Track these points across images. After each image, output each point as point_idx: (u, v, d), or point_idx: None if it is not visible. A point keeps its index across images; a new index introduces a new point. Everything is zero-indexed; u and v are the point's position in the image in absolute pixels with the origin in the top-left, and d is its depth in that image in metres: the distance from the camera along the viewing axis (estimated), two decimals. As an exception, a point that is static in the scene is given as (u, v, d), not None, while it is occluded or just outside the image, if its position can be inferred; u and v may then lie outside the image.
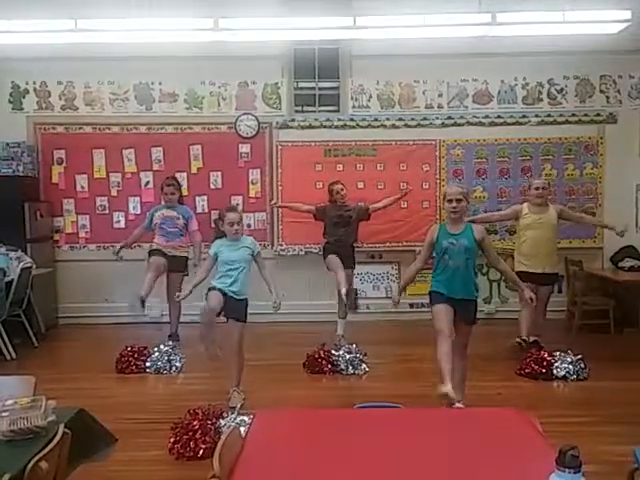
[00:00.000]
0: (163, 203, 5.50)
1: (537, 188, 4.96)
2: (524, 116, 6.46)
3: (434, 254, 3.72)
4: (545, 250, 4.90)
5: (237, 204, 6.39)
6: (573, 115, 6.45)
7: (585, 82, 6.47)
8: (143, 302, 5.16)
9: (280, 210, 6.37)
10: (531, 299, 3.70)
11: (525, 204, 5.09)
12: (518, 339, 4.76)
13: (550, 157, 6.45)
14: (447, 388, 3.48)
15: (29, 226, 5.89)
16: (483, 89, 6.49)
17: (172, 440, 3.24)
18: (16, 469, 1.70)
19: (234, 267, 3.85)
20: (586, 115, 6.45)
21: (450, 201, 3.58)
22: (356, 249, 5.41)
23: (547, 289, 5.05)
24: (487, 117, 6.46)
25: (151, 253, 5.39)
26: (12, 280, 5.12)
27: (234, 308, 3.88)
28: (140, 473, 3.04)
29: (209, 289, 3.89)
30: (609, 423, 3.55)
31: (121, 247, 5.53)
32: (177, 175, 6.29)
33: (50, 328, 6.05)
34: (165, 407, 3.91)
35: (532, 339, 5.04)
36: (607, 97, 6.47)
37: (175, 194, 5.41)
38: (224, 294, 3.84)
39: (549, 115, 6.46)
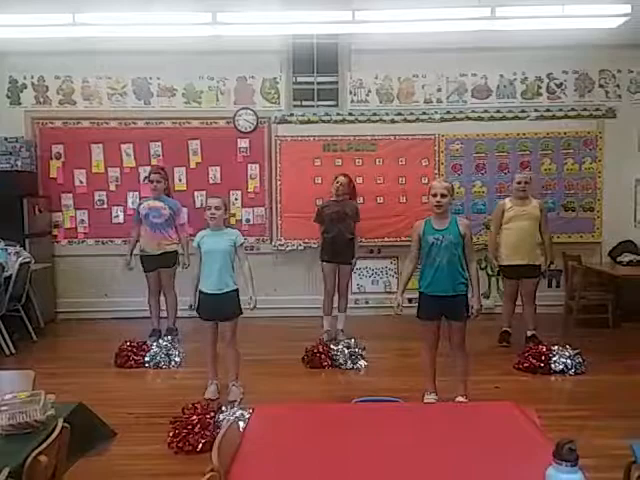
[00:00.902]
0: (150, 195, 5.43)
1: (519, 182, 5.07)
2: (523, 111, 6.45)
3: (421, 250, 3.72)
4: (529, 241, 5.00)
5: (235, 199, 6.41)
6: (572, 110, 6.45)
7: (584, 77, 6.46)
8: (160, 332, 5.40)
9: (279, 205, 6.38)
10: (474, 314, 3.64)
11: (507, 199, 5.18)
12: (503, 329, 5.22)
13: (549, 152, 6.45)
14: (432, 397, 3.60)
15: (27, 221, 5.89)
16: (482, 84, 6.47)
17: (171, 434, 3.25)
18: (15, 463, 1.70)
19: (215, 258, 3.79)
20: (585, 110, 6.44)
21: (435, 195, 3.59)
22: (355, 242, 5.35)
23: (532, 282, 5.10)
24: (486, 112, 6.45)
25: (144, 263, 5.36)
26: (11, 275, 5.11)
27: (225, 306, 3.85)
28: (139, 467, 3.04)
29: (198, 296, 3.90)
30: (607, 417, 3.56)
31: (129, 257, 5.41)
32: (175, 170, 6.32)
33: (49, 323, 6.06)
34: (164, 401, 3.91)
35: (529, 334, 5.11)
36: (606, 92, 6.46)
37: (161, 182, 5.31)
38: (210, 296, 3.83)
39: (548, 110, 6.45)
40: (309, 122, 6.42)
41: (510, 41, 5.78)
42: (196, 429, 3.23)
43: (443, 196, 3.57)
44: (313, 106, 6.50)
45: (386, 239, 6.39)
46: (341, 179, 5.29)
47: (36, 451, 1.75)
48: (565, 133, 6.43)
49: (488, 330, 5.24)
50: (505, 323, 5.25)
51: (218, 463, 1.62)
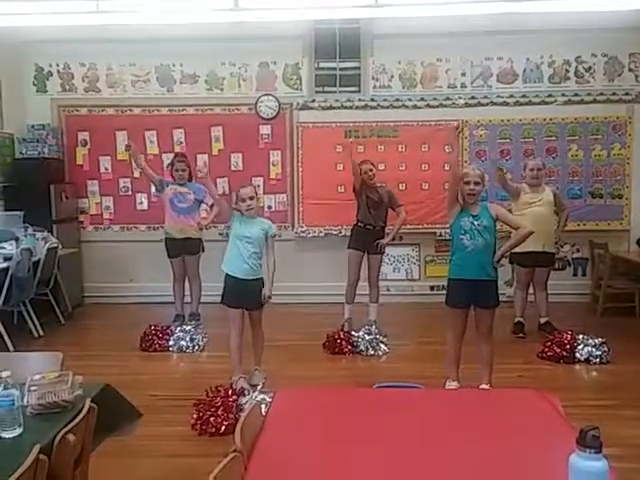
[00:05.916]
0: (173, 181, 5.44)
1: (532, 169, 5.01)
2: (550, 95, 6.30)
3: (452, 235, 3.69)
4: (545, 228, 4.90)
5: (257, 185, 6.41)
6: (601, 94, 6.27)
7: (614, 60, 6.27)
8: (183, 318, 5.48)
9: (301, 192, 6.38)
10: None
11: (524, 184, 5.08)
12: (516, 320, 5.16)
13: (576, 137, 6.30)
14: (454, 385, 3.59)
15: (55, 207, 5.99)
16: (508, 68, 6.34)
17: (195, 416, 3.31)
18: (45, 441, 1.75)
19: (246, 242, 3.75)
20: (614, 94, 6.27)
21: (468, 183, 3.51)
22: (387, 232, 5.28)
23: (546, 271, 5.10)
24: (512, 97, 6.32)
25: (168, 246, 5.42)
26: (39, 260, 5.23)
27: (254, 293, 3.83)
28: (164, 447, 3.11)
29: (225, 280, 3.87)
30: (632, 407, 3.51)
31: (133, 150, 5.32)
32: (198, 157, 6.35)
33: (76, 307, 6.19)
34: (188, 384, 3.99)
35: (543, 321, 5.13)
36: (636, 76, 6.27)
37: (186, 171, 5.37)
38: (240, 281, 3.80)
39: (576, 94, 6.29)
40: (331, 108, 6.38)
41: (537, 24, 5.65)
42: (219, 412, 3.28)
43: (477, 184, 3.50)
44: (335, 92, 6.46)
45: (408, 226, 6.30)
46: (366, 167, 5.08)
47: (64, 430, 1.79)
48: (593, 118, 6.27)
49: (511, 318, 5.18)
50: (518, 313, 5.18)
51: (241, 444, 1.64)
